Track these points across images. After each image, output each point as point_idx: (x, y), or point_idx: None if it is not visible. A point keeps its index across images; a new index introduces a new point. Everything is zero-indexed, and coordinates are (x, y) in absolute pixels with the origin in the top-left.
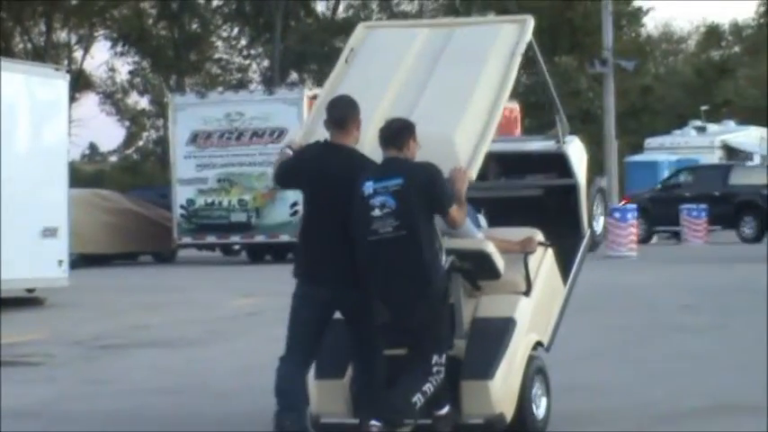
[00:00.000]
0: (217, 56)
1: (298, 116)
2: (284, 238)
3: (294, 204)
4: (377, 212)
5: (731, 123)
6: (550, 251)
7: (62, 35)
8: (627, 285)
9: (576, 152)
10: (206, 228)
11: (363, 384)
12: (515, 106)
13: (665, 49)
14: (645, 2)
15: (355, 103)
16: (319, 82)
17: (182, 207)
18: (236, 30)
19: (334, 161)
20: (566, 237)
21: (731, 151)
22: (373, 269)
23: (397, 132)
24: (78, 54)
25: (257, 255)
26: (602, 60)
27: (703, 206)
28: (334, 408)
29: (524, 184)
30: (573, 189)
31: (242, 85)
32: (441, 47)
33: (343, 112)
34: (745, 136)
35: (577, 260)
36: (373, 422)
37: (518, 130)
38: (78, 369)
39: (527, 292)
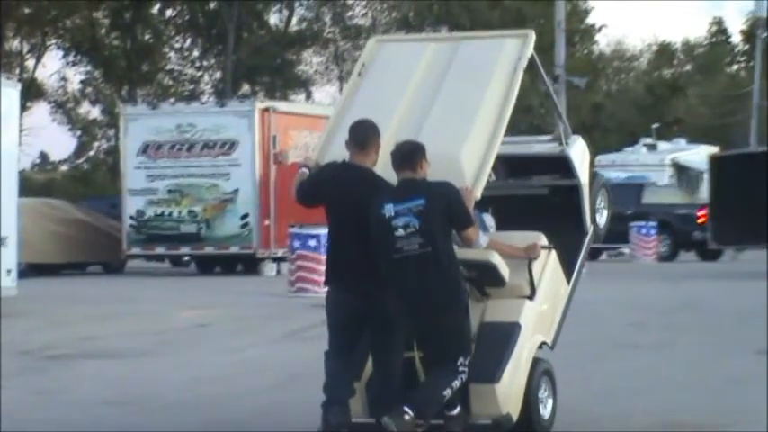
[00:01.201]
0: (169, 67)
1: (249, 128)
2: (234, 249)
3: (244, 216)
4: (401, 232)
5: (682, 142)
6: (554, 254)
7: (14, 44)
8: (575, 302)
9: (579, 153)
10: (156, 238)
11: (382, 386)
12: None
13: (617, 67)
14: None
15: (376, 127)
16: (271, 94)
17: (131, 217)
18: (188, 41)
19: (355, 182)
20: (570, 234)
21: (681, 169)
22: (400, 285)
23: (411, 154)
24: (30, 63)
25: (207, 266)
26: (554, 77)
27: (653, 224)
28: (352, 408)
29: (530, 185)
30: (576, 188)
31: (194, 96)
32: (446, 63)
33: (364, 135)
34: (696, 154)
35: (581, 257)
36: (406, 408)
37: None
38: (26, 379)
39: (531, 297)
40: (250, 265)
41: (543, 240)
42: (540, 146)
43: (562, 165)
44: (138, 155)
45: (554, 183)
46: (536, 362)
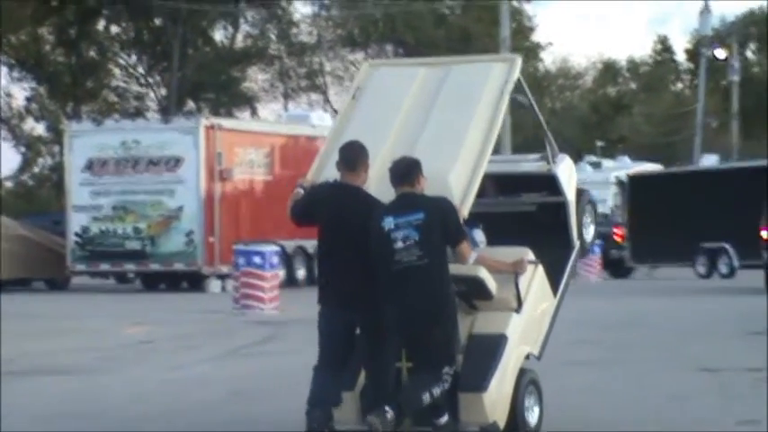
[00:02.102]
0: (114, 83)
1: (194, 145)
2: (179, 266)
3: (189, 233)
4: (399, 245)
5: (626, 159)
6: (540, 268)
7: None
8: None
9: (566, 172)
10: (100, 255)
11: (375, 395)
12: None
13: (562, 85)
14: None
15: (365, 148)
16: (216, 111)
17: (76, 234)
18: (133, 57)
19: (346, 201)
20: (557, 249)
21: (625, 187)
22: (397, 295)
23: (408, 170)
24: None
25: (151, 283)
26: None
27: (598, 241)
28: (346, 416)
29: (519, 202)
30: (563, 205)
31: (139, 113)
32: (437, 87)
33: (354, 156)
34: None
35: (567, 271)
36: (387, 408)
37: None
38: None
39: (518, 309)
40: (195, 281)
41: (530, 255)
42: (528, 165)
43: (550, 183)
44: (83, 171)
45: (542, 200)
46: (522, 372)
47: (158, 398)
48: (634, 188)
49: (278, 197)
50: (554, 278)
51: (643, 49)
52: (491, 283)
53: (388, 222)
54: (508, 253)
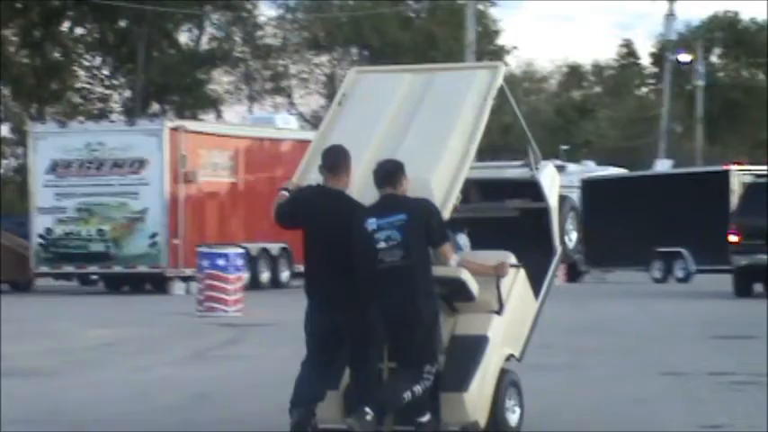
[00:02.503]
0: (78, 85)
1: (158, 147)
2: (142, 268)
3: (153, 235)
4: (382, 245)
5: (591, 163)
6: (522, 271)
7: None
8: None
9: (548, 178)
10: (64, 257)
11: (359, 395)
12: None
13: (527, 88)
14: (508, 41)
15: (347, 152)
16: (180, 113)
17: (40, 236)
18: (98, 59)
19: (328, 204)
20: (540, 254)
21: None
22: (381, 295)
23: (391, 172)
24: None
25: (115, 285)
26: None
27: None
28: (330, 414)
29: (502, 207)
30: (545, 211)
31: (103, 115)
32: (421, 93)
33: (336, 160)
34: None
35: (549, 275)
36: (367, 409)
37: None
38: None
39: (499, 312)
40: (159, 284)
41: (512, 259)
42: (512, 171)
43: (533, 189)
44: (47, 173)
45: (525, 206)
46: (503, 373)
47: (121, 401)
48: (589, 192)
49: (242, 199)
50: (536, 282)
51: (608, 53)
52: (473, 284)
53: (371, 223)
54: (490, 257)
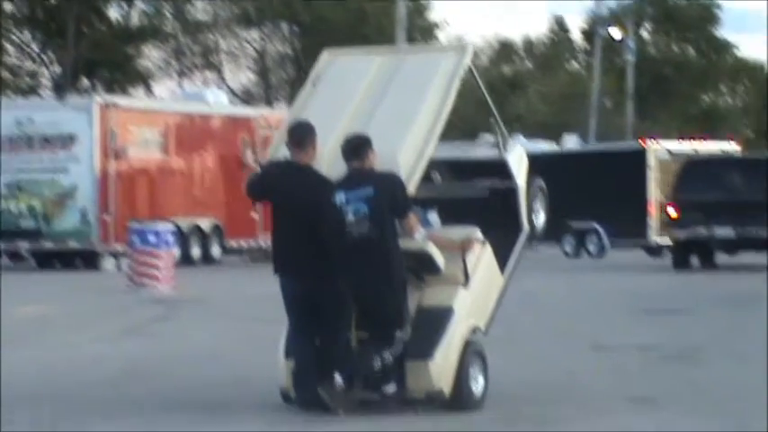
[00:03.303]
0: (7, 61)
1: (88, 123)
2: (73, 245)
3: (84, 212)
4: (351, 218)
5: (521, 138)
6: (488, 247)
7: None
8: None
9: (516, 159)
10: None
11: (328, 363)
12: None
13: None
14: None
15: (312, 127)
16: (111, 89)
17: None
18: (27, 35)
19: (295, 178)
20: (508, 232)
21: None
22: (349, 266)
23: (357, 146)
24: None
25: (46, 262)
26: None
27: None
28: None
29: (472, 187)
30: (513, 191)
31: (33, 90)
32: (391, 74)
33: (301, 135)
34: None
35: (516, 252)
36: (336, 378)
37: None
38: None
39: (465, 284)
40: (89, 260)
41: (478, 234)
42: (481, 151)
43: (501, 169)
44: None
45: (493, 186)
46: (468, 343)
47: (53, 377)
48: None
49: (173, 175)
50: (504, 260)
51: (539, 29)
52: (439, 258)
53: (340, 197)
54: (457, 232)
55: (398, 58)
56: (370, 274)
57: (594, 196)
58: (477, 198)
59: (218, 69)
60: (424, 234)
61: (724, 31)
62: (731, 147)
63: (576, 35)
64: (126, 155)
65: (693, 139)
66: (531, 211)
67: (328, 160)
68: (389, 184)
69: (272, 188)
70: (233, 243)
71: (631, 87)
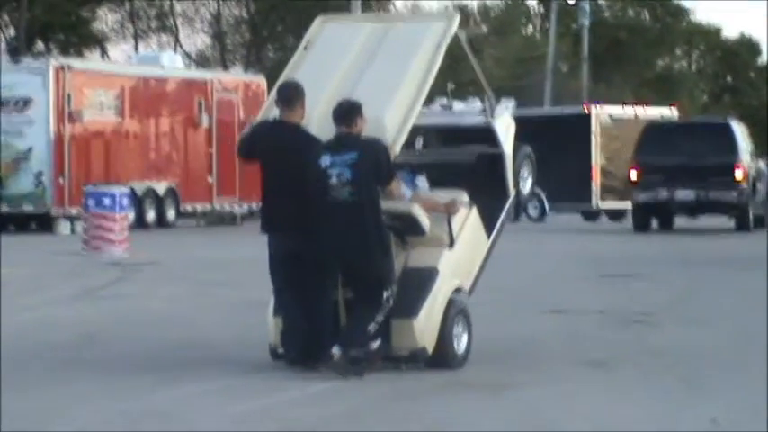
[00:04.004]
0: None
1: (43, 86)
2: (28, 208)
3: (39, 175)
4: (334, 181)
5: (477, 102)
6: (474, 210)
7: None
8: None
9: (503, 126)
10: None
11: (311, 321)
12: (261, 81)
13: None
14: None
15: (300, 86)
16: (65, 52)
17: None
18: None
19: (284, 136)
20: (494, 197)
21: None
22: (330, 228)
23: (347, 111)
24: None
25: (0, 225)
26: None
27: None
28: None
29: (459, 152)
30: (500, 157)
31: None
32: (380, 40)
33: (289, 94)
34: None
35: (502, 217)
36: (333, 350)
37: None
38: None
39: (450, 246)
40: (44, 223)
41: (464, 198)
42: (469, 118)
43: (488, 136)
44: None
45: (480, 151)
46: (451, 302)
47: (7, 340)
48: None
49: (128, 139)
50: (490, 223)
51: None
52: (424, 220)
53: (325, 160)
54: (444, 196)
55: (388, 25)
56: (350, 238)
57: (538, 160)
58: (465, 164)
59: (173, 32)
60: (409, 196)
61: None
62: (671, 113)
63: (532, 0)
64: (81, 118)
65: (636, 104)
66: (518, 177)
67: (317, 122)
68: (373, 150)
69: (261, 147)
70: (188, 207)
71: (586, 51)
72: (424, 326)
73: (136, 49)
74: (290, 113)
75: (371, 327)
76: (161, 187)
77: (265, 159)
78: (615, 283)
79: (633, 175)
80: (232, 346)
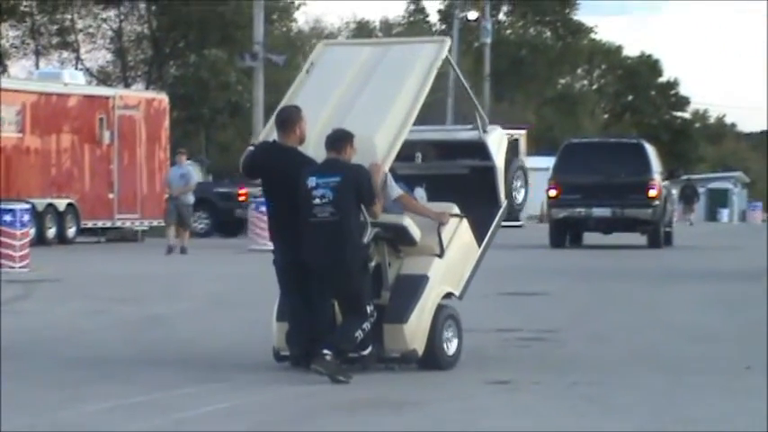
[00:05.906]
0: None
1: None
2: None
3: None
4: (317, 201)
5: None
6: (465, 221)
7: None
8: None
9: (495, 140)
10: None
11: (314, 324)
12: (163, 98)
13: (315, 45)
14: None
15: (297, 111)
16: None
17: None
18: None
19: (280, 158)
20: (487, 207)
21: None
22: (311, 245)
23: (338, 139)
24: None
25: None
26: (252, 54)
27: None
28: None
29: (454, 165)
30: (492, 170)
31: None
32: (376, 63)
33: (286, 118)
34: None
35: (493, 226)
36: (326, 350)
37: (165, 122)
38: None
39: (440, 255)
40: None
41: (454, 209)
42: (463, 133)
43: (481, 149)
44: None
45: (473, 164)
46: (441, 308)
47: None
48: None
49: (29, 155)
50: (482, 232)
51: (396, 10)
52: (414, 230)
53: (311, 181)
54: (436, 207)
55: (384, 48)
56: (330, 254)
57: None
58: (461, 176)
59: (74, 49)
60: (399, 192)
61: (580, 15)
62: (517, 132)
63: (434, 16)
64: None
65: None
66: (510, 188)
67: (315, 143)
68: (356, 175)
69: (260, 167)
70: (89, 223)
71: (488, 69)
72: (415, 329)
73: (37, 65)
74: (285, 136)
75: (358, 334)
76: (62, 203)
77: (264, 178)
78: (517, 300)
79: (552, 192)
80: (134, 363)
